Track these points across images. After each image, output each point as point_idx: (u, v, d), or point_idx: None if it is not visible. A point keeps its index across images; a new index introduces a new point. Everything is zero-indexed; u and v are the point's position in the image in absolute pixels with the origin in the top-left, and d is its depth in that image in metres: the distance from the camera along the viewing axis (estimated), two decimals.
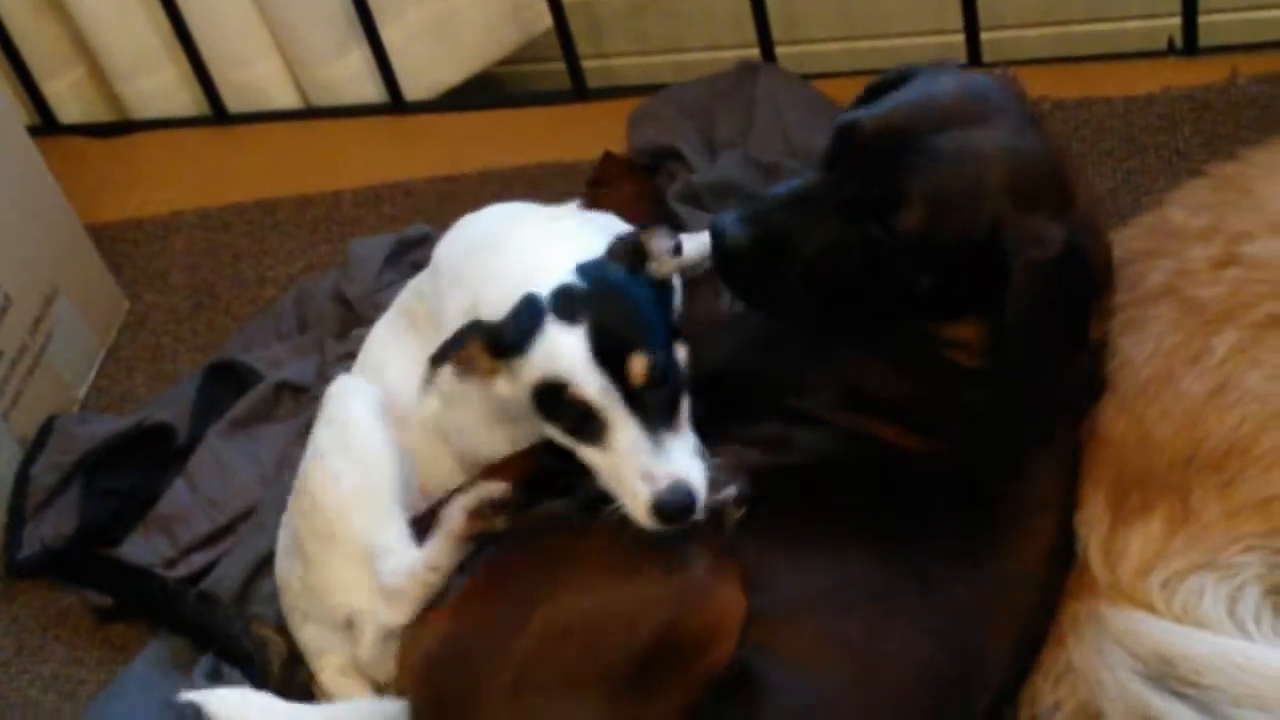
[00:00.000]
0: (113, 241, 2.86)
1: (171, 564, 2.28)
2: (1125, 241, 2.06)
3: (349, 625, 1.94)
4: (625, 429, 1.73)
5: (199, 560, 2.29)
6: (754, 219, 1.86)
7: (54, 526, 2.36)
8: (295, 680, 1.97)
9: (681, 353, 1.81)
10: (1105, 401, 1.90)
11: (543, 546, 1.83)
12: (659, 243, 1.83)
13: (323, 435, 1.99)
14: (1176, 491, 1.84)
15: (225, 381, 2.51)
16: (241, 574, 2.22)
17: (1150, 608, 1.84)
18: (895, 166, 1.80)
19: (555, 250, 1.85)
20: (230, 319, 2.74)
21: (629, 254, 1.82)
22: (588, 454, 1.77)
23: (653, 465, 1.72)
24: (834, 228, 1.82)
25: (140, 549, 2.31)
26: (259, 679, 2.05)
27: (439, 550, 1.85)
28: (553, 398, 1.76)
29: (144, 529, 2.34)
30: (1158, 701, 1.79)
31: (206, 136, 3.12)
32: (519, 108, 3.02)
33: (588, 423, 1.75)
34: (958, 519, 1.85)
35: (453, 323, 1.87)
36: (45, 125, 3.13)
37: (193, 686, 2.06)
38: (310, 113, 3.11)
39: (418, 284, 2.12)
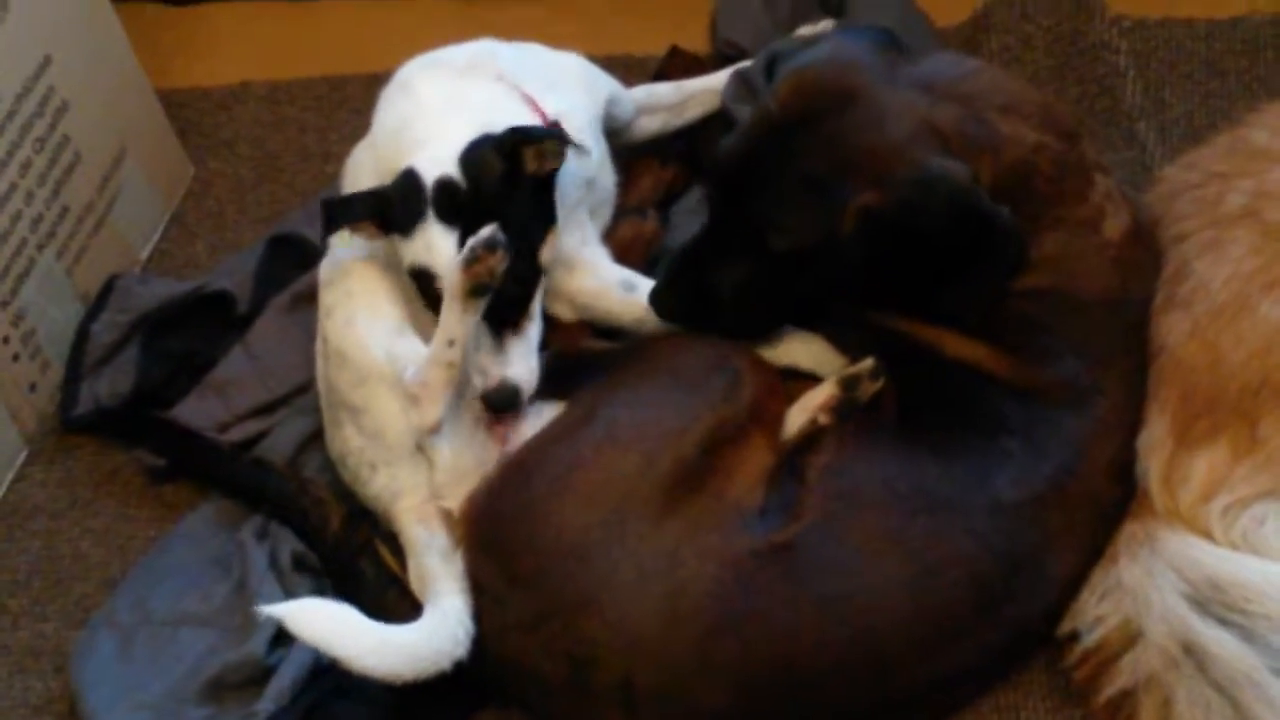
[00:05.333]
0: (181, 108, 2.85)
1: (224, 428, 2.30)
2: (1201, 162, 2.04)
3: (419, 452, 1.98)
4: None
5: (252, 427, 2.30)
6: (674, 285, 2.01)
7: (110, 384, 2.37)
8: (354, 539, 1.98)
9: (550, 242, 1.96)
10: (1176, 323, 1.89)
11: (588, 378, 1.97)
12: (538, 143, 1.95)
13: (325, 295, 2.11)
14: (1245, 418, 1.83)
15: (286, 254, 2.51)
16: (294, 442, 2.24)
17: (1208, 534, 1.84)
18: (752, 195, 1.92)
19: (454, 119, 1.99)
20: (293, 192, 2.74)
21: (507, 155, 1.93)
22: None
23: (489, 364, 1.92)
24: (736, 264, 1.95)
25: (194, 412, 2.32)
26: (312, 536, 2.08)
27: (448, 316, 1.88)
28: (425, 281, 1.94)
29: (199, 393, 2.34)
30: (1201, 626, 1.79)
31: (279, 10, 3.10)
32: None
33: None
34: (1027, 439, 1.86)
35: (363, 166, 2.09)
36: None
37: (240, 544, 2.10)
38: None
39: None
